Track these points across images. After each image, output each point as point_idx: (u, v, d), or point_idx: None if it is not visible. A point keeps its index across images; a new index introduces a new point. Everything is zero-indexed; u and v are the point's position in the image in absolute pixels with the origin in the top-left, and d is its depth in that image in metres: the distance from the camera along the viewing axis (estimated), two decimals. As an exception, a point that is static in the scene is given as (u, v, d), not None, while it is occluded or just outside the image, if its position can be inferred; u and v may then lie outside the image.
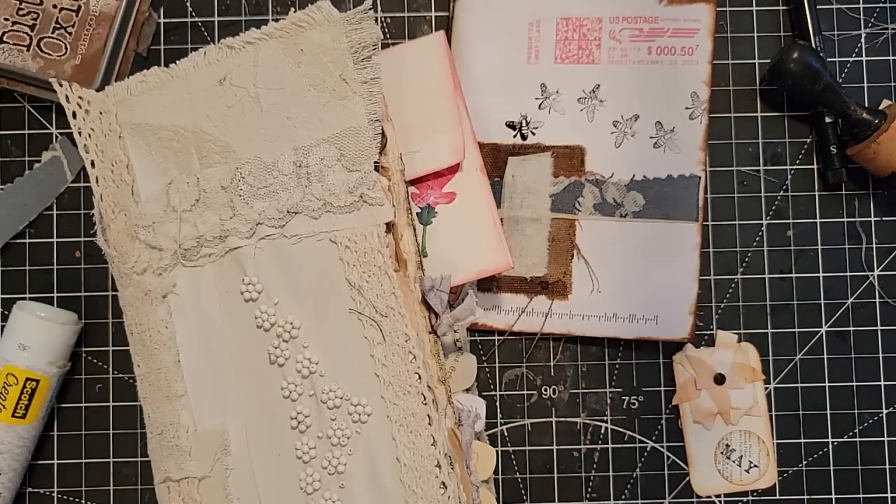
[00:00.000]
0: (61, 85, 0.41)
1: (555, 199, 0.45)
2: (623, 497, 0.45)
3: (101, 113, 0.42)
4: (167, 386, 0.40)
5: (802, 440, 0.45)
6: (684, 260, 0.44)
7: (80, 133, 0.41)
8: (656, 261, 0.44)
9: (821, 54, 0.44)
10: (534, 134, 0.45)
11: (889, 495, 0.45)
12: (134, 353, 0.41)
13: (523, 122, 0.45)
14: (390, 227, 0.39)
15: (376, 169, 0.39)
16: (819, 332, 0.46)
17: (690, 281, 0.44)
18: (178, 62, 0.41)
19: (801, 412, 0.46)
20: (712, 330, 0.46)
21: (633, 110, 0.44)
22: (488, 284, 0.45)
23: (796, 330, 0.46)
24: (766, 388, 0.46)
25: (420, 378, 0.38)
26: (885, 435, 0.45)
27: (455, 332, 0.42)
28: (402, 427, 0.38)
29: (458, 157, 0.42)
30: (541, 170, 0.45)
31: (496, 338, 0.46)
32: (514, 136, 0.45)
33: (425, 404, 0.38)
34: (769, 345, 0.46)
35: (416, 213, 0.42)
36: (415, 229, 0.41)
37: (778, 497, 0.45)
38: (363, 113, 0.39)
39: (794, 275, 0.46)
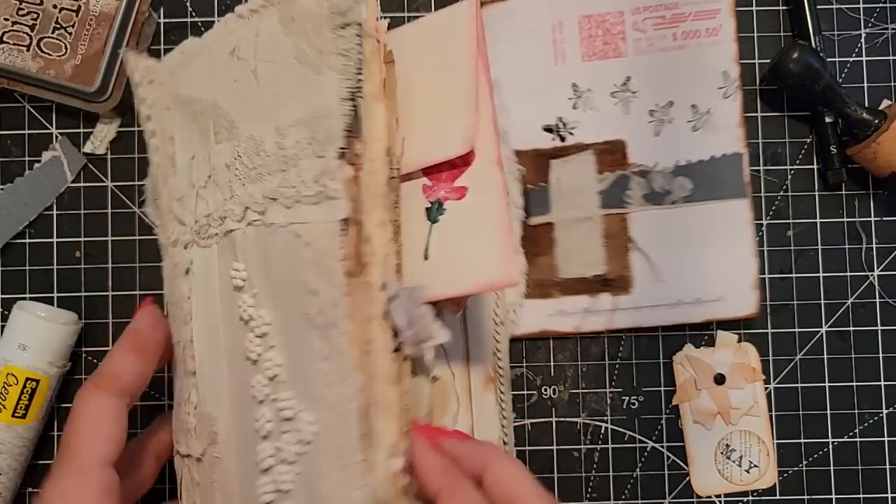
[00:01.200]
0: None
1: (603, 196, 0.45)
2: (623, 497, 0.45)
3: (158, 83, 0.39)
4: (184, 361, 0.38)
5: (802, 440, 0.45)
6: (740, 237, 0.44)
7: (143, 102, 0.39)
8: (712, 242, 0.44)
9: (821, 54, 0.44)
10: (572, 134, 0.45)
11: (889, 495, 0.45)
12: (171, 323, 0.39)
13: (560, 123, 0.45)
14: (348, 223, 0.33)
15: (342, 156, 0.33)
16: (819, 332, 0.46)
17: (749, 256, 0.44)
18: (207, 32, 0.38)
19: (801, 412, 0.46)
20: (712, 330, 0.46)
21: (666, 97, 0.45)
22: (549, 291, 0.45)
23: (796, 330, 0.46)
24: (766, 388, 0.46)
25: (356, 406, 0.32)
26: (886, 435, 0.45)
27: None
28: (333, 460, 0.32)
29: (466, 145, 0.36)
30: (584, 169, 0.45)
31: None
32: (553, 139, 0.45)
33: (362, 438, 0.32)
34: (769, 345, 0.46)
35: (426, 209, 0.37)
36: (426, 228, 0.35)
37: (778, 497, 0.45)
38: (334, 90, 0.33)
39: (794, 275, 0.46)
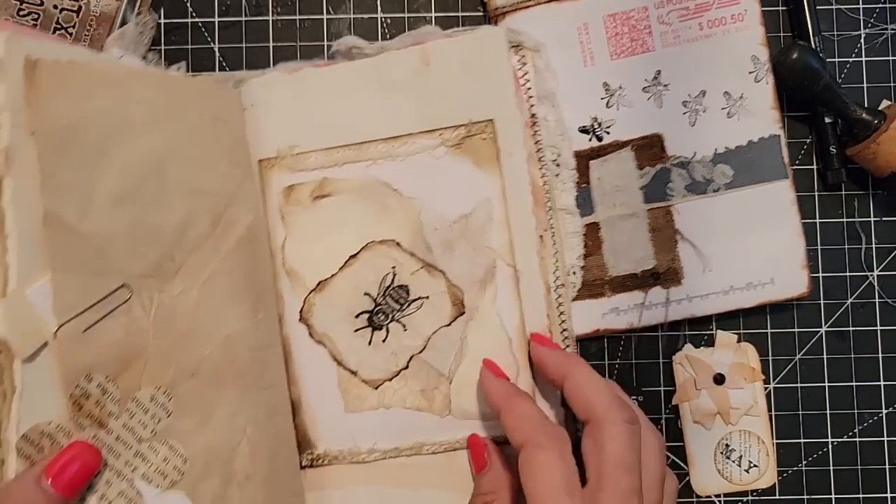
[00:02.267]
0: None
1: (645, 191, 0.45)
2: (623, 497, 0.45)
3: None
4: None
5: (802, 440, 0.46)
6: (785, 218, 0.44)
7: None
8: (758, 225, 0.44)
9: (820, 54, 0.44)
10: (608, 133, 0.45)
11: (889, 495, 0.45)
12: None
13: (595, 124, 0.45)
14: None
15: None
16: (819, 332, 0.46)
17: (795, 236, 0.44)
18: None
19: (800, 412, 0.46)
20: (712, 330, 0.46)
21: (698, 87, 0.45)
22: (601, 290, 0.45)
23: (796, 330, 0.46)
24: (766, 388, 0.46)
25: None
26: (885, 435, 0.45)
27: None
28: None
29: None
30: (624, 166, 0.45)
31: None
32: (590, 140, 0.45)
33: None
34: (769, 345, 0.46)
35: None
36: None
37: (778, 497, 0.45)
38: None
39: (793, 275, 0.46)
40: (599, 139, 0.45)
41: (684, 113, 0.45)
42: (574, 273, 0.44)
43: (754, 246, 0.44)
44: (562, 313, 0.43)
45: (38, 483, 0.28)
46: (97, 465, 0.31)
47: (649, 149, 0.45)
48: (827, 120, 0.45)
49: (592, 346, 0.46)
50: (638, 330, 0.45)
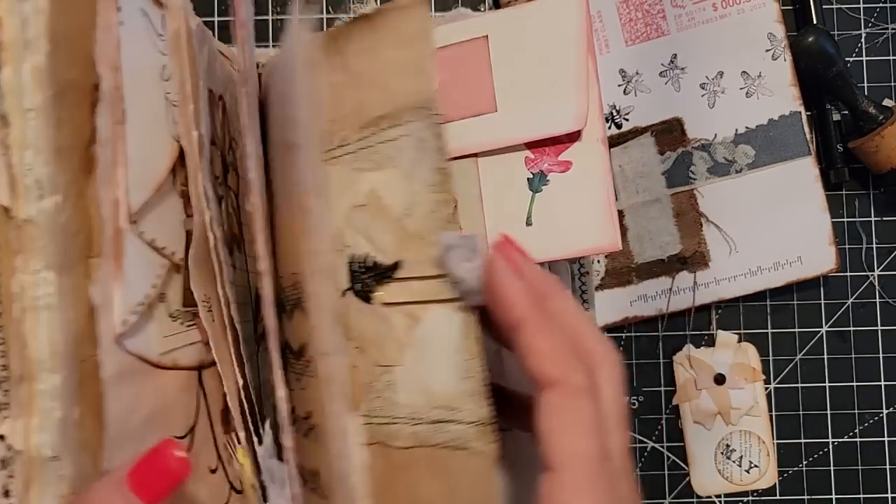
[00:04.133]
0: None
1: (668, 176, 0.45)
2: (623, 497, 0.45)
3: None
4: None
5: (802, 440, 0.45)
6: (809, 194, 0.44)
7: None
8: (783, 203, 0.44)
9: (836, 43, 0.44)
10: (627, 120, 0.45)
11: (889, 495, 0.45)
12: None
13: (613, 111, 0.45)
14: None
15: None
16: (819, 332, 0.46)
17: (820, 212, 0.44)
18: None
19: (801, 412, 0.46)
20: (712, 330, 0.46)
21: (715, 68, 0.45)
22: (629, 278, 0.45)
23: (796, 330, 0.46)
24: (767, 388, 0.46)
25: None
26: (885, 435, 0.45)
27: (582, 283, 0.40)
28: None
29: (579, 124, 0.38)
30: (645, 152, 0.45)
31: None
32: (610, 128, 0.45)
33: None
34: (769, 345, 0.46)
35: (528, 179, 0.39)
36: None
37: (778, 497, 0.45)
38: None
39: (794, 275, 0.46)
40: (619, 126, 0.45)
41: (702, 95, 0.45)
42: (598, 262, 0.44)
43: (780, 225, 0.44)
44: (585, 301, 0.43)
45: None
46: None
47: (669, 133, 0.45)
48: (834, 118, 0.45)
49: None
50: (667, 316, 0.45)
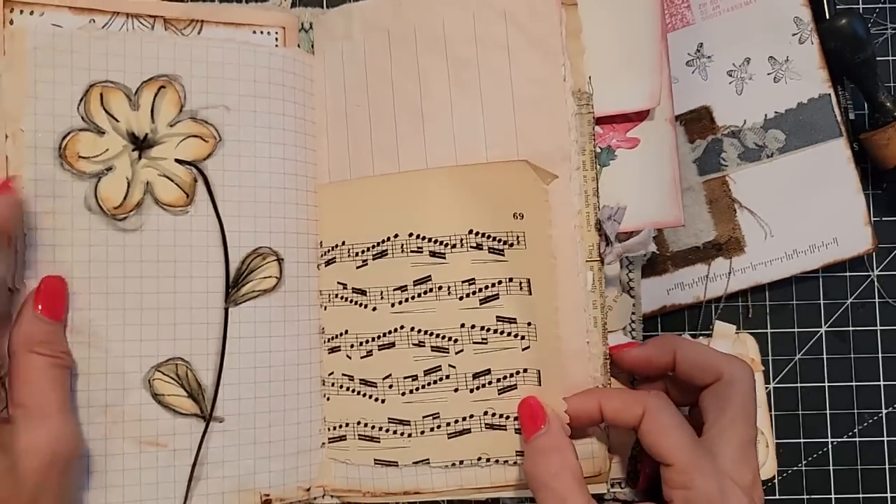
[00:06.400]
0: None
1: (699, 163, 0.45)
2: (623, 497, 0.45)
3: None
4: None
5: (802, 440, 0.45)
6: (842, 176, 0.44)
7: None
8: (816, 186, 0.45)
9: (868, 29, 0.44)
10: None
11: (889, 495, 0.45)
12: None
13: None
14: None
15: None
16: (819, 331, 0.46)
17: (855, 193, 0.44)
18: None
19: (800, 412, 0.46)
20: (712, 331, 0.46)
21: (742, 55, 0.45)
22: (664, 266, 0.45)
23: (796, 330, 0.46)
24: (766, 388, 0.45)
25: None
26: (885, 435, 0.45)
27: (629, 272, 0.41)
28: None
29: (653, 102, 0.40)
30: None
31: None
32: None
33: None
34: (769, 345, 0.46)
35: (595, 153, 0.40)
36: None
37: (778, 497, 0.45)
38: None
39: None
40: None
41: (730, 82, 0.45)
42: (631, 272, 0.44)
43: (814, 207, 0.45)
44: (632, 295, 0.43)
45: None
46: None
47: (698, 122, 0.45)
48: (851, 117, 0.45)
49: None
50: (705, 303, 0.45)
